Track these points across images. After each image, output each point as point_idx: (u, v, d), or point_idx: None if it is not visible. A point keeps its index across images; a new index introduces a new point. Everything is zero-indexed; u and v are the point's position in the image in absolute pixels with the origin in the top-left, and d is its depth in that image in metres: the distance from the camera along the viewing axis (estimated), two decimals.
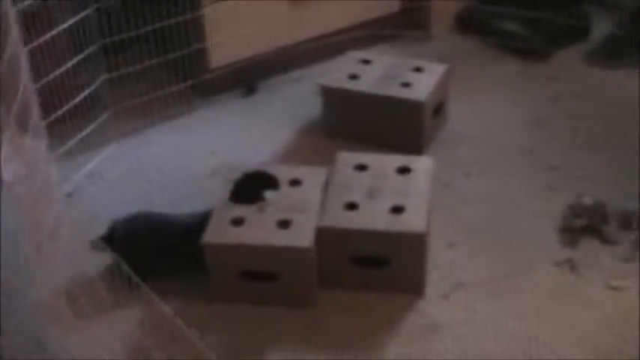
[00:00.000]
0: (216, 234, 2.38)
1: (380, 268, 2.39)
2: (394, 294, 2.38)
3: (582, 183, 2.74)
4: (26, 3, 2.53)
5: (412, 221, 2.38)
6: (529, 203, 2.69)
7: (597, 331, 2.26)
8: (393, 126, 2.90)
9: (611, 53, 3.35)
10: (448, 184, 2.78)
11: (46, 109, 2.65)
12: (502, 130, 3.05)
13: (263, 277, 2.37)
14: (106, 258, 2.29)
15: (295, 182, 2.54)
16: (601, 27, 3.49)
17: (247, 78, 3.27)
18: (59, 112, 2.77)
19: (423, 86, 2.91)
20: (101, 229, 2.43)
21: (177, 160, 2.91)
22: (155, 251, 2.38)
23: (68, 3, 2.77)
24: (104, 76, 2.93)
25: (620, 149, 2.88)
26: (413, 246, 2.37)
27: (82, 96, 2.85)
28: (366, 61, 3.07)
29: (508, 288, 2.41)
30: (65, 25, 2.75)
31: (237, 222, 2.40)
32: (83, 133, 2.88)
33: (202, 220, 2.41)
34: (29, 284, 2.21)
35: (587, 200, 2.62)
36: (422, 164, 2.60)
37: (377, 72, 3.01)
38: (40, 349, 2.24)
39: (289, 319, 2.34)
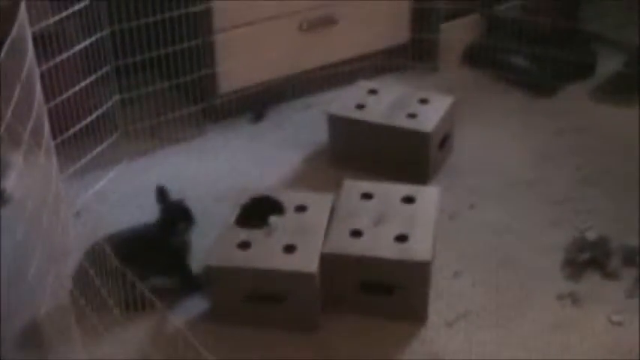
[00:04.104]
0: (222, 257, 2.40)
1: (384, 295, 2.41)
2: (398, 321, 2.40)
3: (585, 218, 2.76)
4: (42, 24, 2.57)
5: (417, 250, 2.40)
6: (532, 236, 2.72)
7: None
8: (399, 156, 2.93)
9: (615, 90, 3.40)
10: (453, 215, 2.80)
11: (58, 128, 2.69)
12: (507, 162, 3.08)
13: (268, 300, 2.39)
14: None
15: (301, 208, 2.56)
16: (607, 65, 3.54)
17: (256, 104, 3.31)
18: (71, 132, 2.80)
19: (429, 117, 2.95)
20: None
21: (184, 183, 2.92)
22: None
23: (83, 25, 2.81)
24: (116, 97, 2.96)
25: (621, 185, 2.90)
26: (417, 274, 2.39)
27: (93, 116, 2.89)
28: (374, 91, 3.10)
29: (510, 319, 2.42)
30: (79, 47, 2.79)
31: (243, 245, 2.42)
32: (93, 153, 2.92)
33: (161, 225, 2.47)
34: (35, 299, 2.23)
35: (591, 235, 2.64)
36: (427, 194, 2.63)
37: (384, 102, 3.04)
38: None
39: (292, 343, 2.35)
